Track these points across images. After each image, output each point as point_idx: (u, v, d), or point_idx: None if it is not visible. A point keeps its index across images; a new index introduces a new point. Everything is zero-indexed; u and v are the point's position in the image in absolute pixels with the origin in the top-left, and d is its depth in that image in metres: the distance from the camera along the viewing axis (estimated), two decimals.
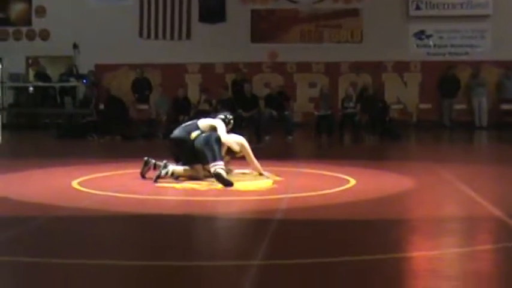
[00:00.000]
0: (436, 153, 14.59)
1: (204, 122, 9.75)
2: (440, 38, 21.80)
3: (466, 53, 21.60)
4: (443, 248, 5.72)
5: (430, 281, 4.67)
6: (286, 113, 17.96)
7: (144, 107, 20.05)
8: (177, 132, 9.79)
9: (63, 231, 6.53)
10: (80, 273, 4.92)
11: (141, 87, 20.34)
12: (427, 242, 6.03)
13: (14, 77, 22.61)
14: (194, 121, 9.95)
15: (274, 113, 17.80)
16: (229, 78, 21.26)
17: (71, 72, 21.96)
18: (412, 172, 10.41)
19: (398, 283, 4.64)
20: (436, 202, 8.22)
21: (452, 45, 21.78)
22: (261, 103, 18.49)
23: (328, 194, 8.51)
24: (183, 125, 10.01)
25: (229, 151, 9.76)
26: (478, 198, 8.16)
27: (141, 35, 22.46)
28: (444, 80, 20.97)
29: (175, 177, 9.41)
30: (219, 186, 8.91)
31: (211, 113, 18.13)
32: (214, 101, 18.91)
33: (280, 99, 18.31)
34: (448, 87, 20.82)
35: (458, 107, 21.05)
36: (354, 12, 21.95)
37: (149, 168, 9.61)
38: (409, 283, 4.67)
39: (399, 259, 5.30)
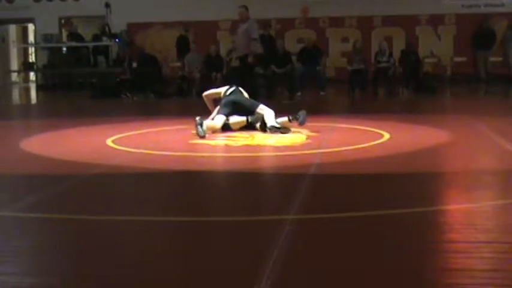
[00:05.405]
0: (472, 106, 14.43)
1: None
2: None
3: (502, 5, 21.23)
4: (480, 201, 5.67)
5: (468, 234, 4.63)
6: (317, 68, 17.84)
7: (177, 64, 19.96)
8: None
9: (100, 188, 6.57)
10: (116, 230, 4.95)
11: (185, 45, 20.11)
12: (463, 195, 5.98)
13: (47, 37, 22.74)
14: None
15: (302, 68, 17.68)
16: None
17: (103, 31, 21.99)
18: (447, 125, 10.33)
19: (436, 236, 4.61)
20: (472, 155, 8.15)
21: None
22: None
23: (362, 148, 8.47)
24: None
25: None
26: None
27: None
28: (479, 33, 20.63)
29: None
30: (253, 142, 8.97)
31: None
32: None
33: (314, 53, 18.17)
34: (483, 40, 20.48)
35: (493, 59, 20.74)
36: None
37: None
38: (446, 236, 4.64)
39: (435, 212, 5.26)
